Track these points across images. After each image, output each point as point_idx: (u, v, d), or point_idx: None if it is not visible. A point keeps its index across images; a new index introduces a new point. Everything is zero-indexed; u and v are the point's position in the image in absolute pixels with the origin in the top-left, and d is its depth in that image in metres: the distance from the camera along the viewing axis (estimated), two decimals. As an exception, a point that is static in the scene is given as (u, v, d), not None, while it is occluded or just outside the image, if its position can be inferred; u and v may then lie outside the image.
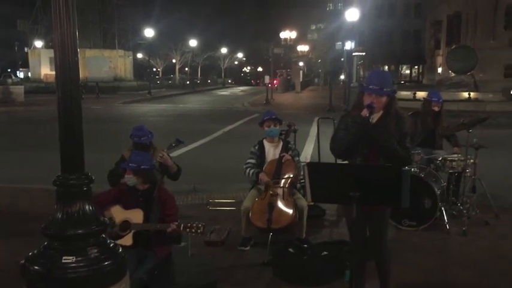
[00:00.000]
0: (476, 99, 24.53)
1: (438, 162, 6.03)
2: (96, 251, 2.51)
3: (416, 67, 57.39)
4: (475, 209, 6.05)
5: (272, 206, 4.83)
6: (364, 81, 3.59)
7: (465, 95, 24.59)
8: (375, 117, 3.49)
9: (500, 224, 5.91)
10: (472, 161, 6.09)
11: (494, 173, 8.41)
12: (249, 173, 5.23)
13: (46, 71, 42.94)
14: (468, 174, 6.11)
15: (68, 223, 2.51)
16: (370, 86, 3.46)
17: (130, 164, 4.06)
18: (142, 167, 4.03)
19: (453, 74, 28.17)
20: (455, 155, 6.11)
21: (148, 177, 4.12)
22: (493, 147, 6.35)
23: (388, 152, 3.48)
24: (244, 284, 4.25)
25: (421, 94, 23.81)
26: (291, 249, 4.73)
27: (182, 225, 3.86)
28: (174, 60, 60.52)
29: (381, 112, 3.53)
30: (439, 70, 43.94)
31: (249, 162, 5.31)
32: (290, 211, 4.84)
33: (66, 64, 2.53)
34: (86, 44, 42.02)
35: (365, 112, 3.41)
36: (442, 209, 5.70)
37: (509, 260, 4.84)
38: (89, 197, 2.60)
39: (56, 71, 2.56)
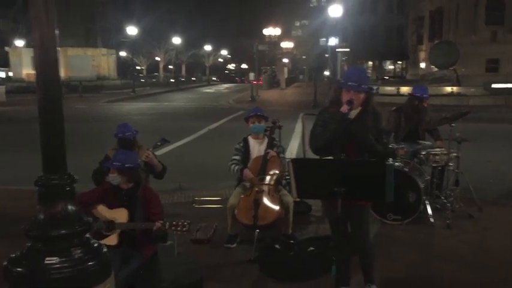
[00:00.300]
0: (458, 94, 24.88)
1: (422, 156, 6.09)
2: (80, 251, 2.48)
3: (399, 62, 57.79)
4: (458, 202, 6.12)
5: (258, 202, 4.83)
6: (342, 77, 3.61)
7: (448, 89, 24.92)
8: (352, 114, 3.52)
9: (484, 216, 5.99)
10: (455, 154, 6.16)
11: (477, 166, 8.53)
12: (233, 170, 5.23)
13: (28, 70, 42.35)
14: (451, 167, 6.19)
15: (51, 224, 2.48)
16: (349, 83, 3.49)
17: (114, 163, 4.02)
18: (126, 165, 4.00)
19: (436, 69, 28.52)
20: (439, 149, 6.17)
21: (133, 176, 4.09)
22: (476, 140, 6.43)
23: (366, 147, 3.52)
24: (230, 281, 4.24)
25: (404, 89, 24.05)
26: (277, 246, 4.74)
27: (167, 223, 3.84)
28: (158, 58, 60.07)
29: (359, 109, 3.57)
30: (422, 65, 44.32)
31: (233, 159, 5.30)
32: (276, 207, 4.84)
33: (46, 63, 2.50)
34: (68, 42, 41.54)
35: (345, 108, 3.44)
36: (426, 202, 5.77)
37: (492, 252, 4.91)
38: (72, 197, 2.57)
39: (36, 70, 2.53)
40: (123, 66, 52.99)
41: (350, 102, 3.44)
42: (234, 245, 5.02)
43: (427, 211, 5.73)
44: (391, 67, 59.38)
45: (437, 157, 6.04)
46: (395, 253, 4.85)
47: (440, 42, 31.59)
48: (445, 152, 6.05)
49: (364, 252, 3.78)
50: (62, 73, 40.86)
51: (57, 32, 2.58)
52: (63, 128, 2.59)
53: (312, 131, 3.68)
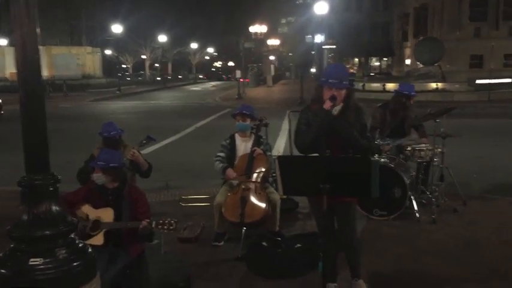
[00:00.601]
0: (443, 90, 25.10)
1: (407, 152, 6.14)
2: (64, 251, 2.47)
3: (385, 59, 58.12)
4: (443, 197, 6.19)
5: (244, 200, 4.84)
6: (322, 75, 3.63)
7: (433, 85, 25.12)
8: (335, 110, 3.56)
9: (468, 211, 6.07)
10: (440, 150, 6.22)
11: (461, 161, 8.63)
12: (217, 167, 5.22)
13: (12, 69, 41.79)
14: (436, 163, 6.25)
15: (35, 224, 2.46)
16: (330, 80, 3.52)
17: (98, 162, 3.98)
18: (111, 165, 3.97)
19: (421, 65, 28.72)
20: (424, 145, 6.22)
21: (118, 176, 4.05)
22: (460, 136, 6.50)
23: (350, 143, 3.54)
24: (218, 279, 4.24)
25: (390, 86, 24.20)
26: (264, 243, 4.75)
27: (154, 222, 3.82)
28: (143, 57, 59.70)
29: (341, 105, 3.61)
30: (408, 62, 44.64)
31: (218, 156, 5.30)
32: (263, 205, 4.85)
33: (27, 62, 2.48)
34: (53, 41, 41.17)
35: (328, 104, 3.47)
36: (412, 198, 5.82)
37: (476, 245, 4.98)
38: (55, 197, 2.55)
39: (17, 69, 2.50)
40: (109, 65, 52.59)
41: (333, 98, 3.47)
42: (222, 243, 5.02)
43: (412, 206, 5.79)
44: (377, 64, 59.70)
45: (422, 153, 6.09)
46: (381, 248, 4.89)
47: (424, 38, 31.84)
48: (430, 148, 6.11)
49: (351, 248, 3.81)
50: (46, 72, 40.44)
51: (38, 30, 2.55)
52: (46, 127, 2.57)
53: (296, 130, 3.70)
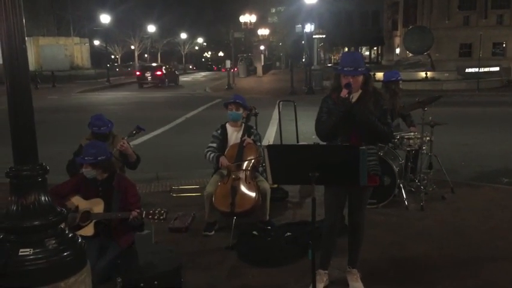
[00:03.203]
0: (433, 79, 25.22)
1: (396, 140, 6.19)
2: (54, 242, 2.47)
3: (375, 48, 58.25)
4: (431, 184, 6.26)
5: (235, 189, 4.85)
6: (339, 64, 3.65)
7: (422, 74, 25.21)
8: (354, 97, 3.57)
9: (456, 198, 6.14)
10: (428, 138, 6.27)
11: (449, 149, 8.73)
12: (209, 157, 5.23)
13: (-1, 60, 41.32)
14: (425, 151, 6.31)
15: (24, 215, 2.46)
16: (345, 68, 3.54)
17: (86, 158, 3.97)
18: (99, 158, 3.96)
19: (410, 54, 28.80)
20: (412, 133, 6.28)
21: (107, 167, 4.05)
22: (448, 124, 6.56)
23: (370, 129, 3.57)
24: (209, 268, 4.27)
25: (380, 75, 24.22)
26: (255, 232, 4.78)
27: (144, 212, 3.83)
28: (132, 47, 59.16)
29: (359, 91, 3.63)
30: (397, 51, 44.78)
31: (210, 146, 5.30)
32: (253, 194, 4.87)
33: (13, 53, 2.46)
34: (39, 31, 40.64)
35: (344, 92, 3.49)
36: (401, 185, 5.88)
37: (464, 232, 5.05)
38: (44, 188, 2.54)
39: (3, 60, 2.48)
40: (97, 56, 52.08)
41: (348, 86, 3.50)
42: (212, 233, 5.04)
43: (401, 194, 5.85)
44: (367, 53, 59.79)
45: (411, 141, 6.14)
46: (371, 235, 4.93)
47: (414, 27, 31.88)
48: (418, 136, 6.16)
49: (357, 234, 3.85)
50: (34, 63, 39.94)
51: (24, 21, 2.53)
52: (33, 118, 2.56)
53: (317, 118, 3.73)
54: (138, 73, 33.45)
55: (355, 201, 3.78)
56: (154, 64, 36.49)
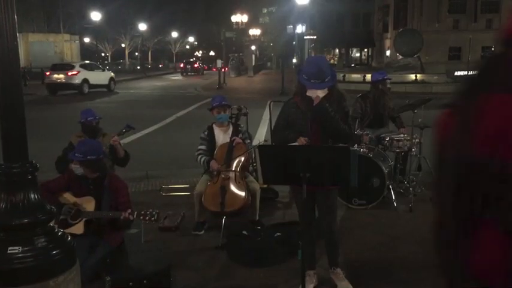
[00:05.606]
0: (422, 81, 25.37)
1: (386, 142, 6.23)
2: (43, 240, 2.45)
3: (366, 50, 58.47)
4: (420, 186, 6.31)
5: (224, 189, 4.85)
6: (303, 72, 3.55)
7: (412, 77, 25.36)
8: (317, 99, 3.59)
9: (444, 199, 6.18)
10: (417, 140, 6.32)
11: (438, 151, 8.76)
12: (200, 161, 5.22)
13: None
14: (414, 153, 6.35)
15: (13, 213, 2.44)
16: (312, 81, 3.50)
17: (76, 155, 3.94)
18: (88, 157, 3.92)
19: (400, 57, 28.97)
20: (402, 135, 6.32)
21: (96, 167, 4.01)
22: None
23: (331, 126, 3.59)
24: (199, 268, 4.26)
25: (369, 77, 24.37)
26: (244, 232, 4.79)
27: (136, 212, 3.82)
28: (123, 45, 58.87)
29: (325, 91, 3.63)
30: (388, 53, 44.99)
31: (200, 149, 5.29)
32: (242, 194, 4.88)
33: (5, 49, 2.44)
34: (29, 28, 40.19)
35: (316, 101, 3.51)
36: (390, 187, 5.92)
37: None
38: (34, 186, 2.53)
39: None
40: (87, 53, 51.62)
41: (318, 98, 3.53)
42: (202, 232, 5.04)
43: (391, 195, 5.89)
44: (358, 55, 60.05)
45: (400, 143, 6.19)
46: (359, 236, 4.97)
47: (404, 30, 32.07)
48: (408, 138, 6.20)
49: (331, 237, 3.86)
50: (23, 59, 39.53)
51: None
52: (24, 116, 2.54)
53: (275, 125, 3.76)
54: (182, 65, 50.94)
55: (321, 204, 3.78)
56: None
